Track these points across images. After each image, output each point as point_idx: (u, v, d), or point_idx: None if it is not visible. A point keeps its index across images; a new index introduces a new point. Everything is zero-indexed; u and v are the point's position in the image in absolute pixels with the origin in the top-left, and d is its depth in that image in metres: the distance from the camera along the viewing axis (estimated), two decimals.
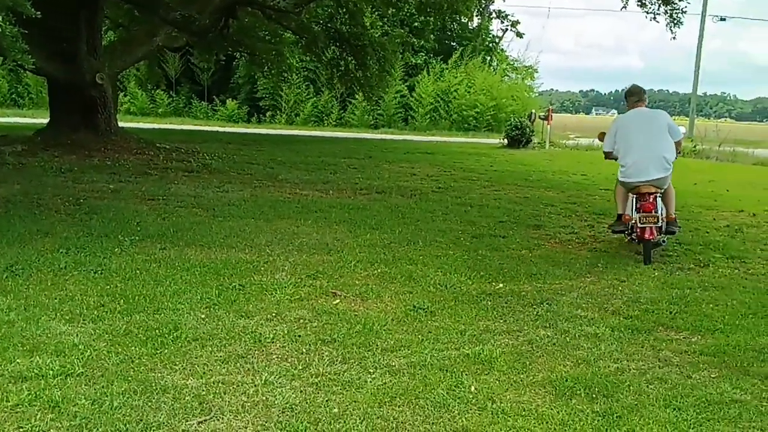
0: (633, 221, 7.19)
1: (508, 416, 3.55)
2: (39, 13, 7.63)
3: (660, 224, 7.08)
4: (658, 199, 7.12)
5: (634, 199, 7.21)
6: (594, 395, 3.85)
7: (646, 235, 6.96)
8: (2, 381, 3.60)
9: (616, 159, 7.54)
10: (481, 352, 4.34)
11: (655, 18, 15.55)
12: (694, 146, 24.13)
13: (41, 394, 3.47)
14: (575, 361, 4.34)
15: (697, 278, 6.54)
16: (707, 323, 5.19)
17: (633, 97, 7.60)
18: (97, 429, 3.20)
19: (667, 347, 4.68)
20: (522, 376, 4.06)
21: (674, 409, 3.74)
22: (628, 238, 7.60)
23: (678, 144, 7.34)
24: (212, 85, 32.40)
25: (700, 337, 4.93)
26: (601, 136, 7.94)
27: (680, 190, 12.94)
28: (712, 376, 4.23)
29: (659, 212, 7.07)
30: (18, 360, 3.85)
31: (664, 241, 7.40)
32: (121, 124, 15.80)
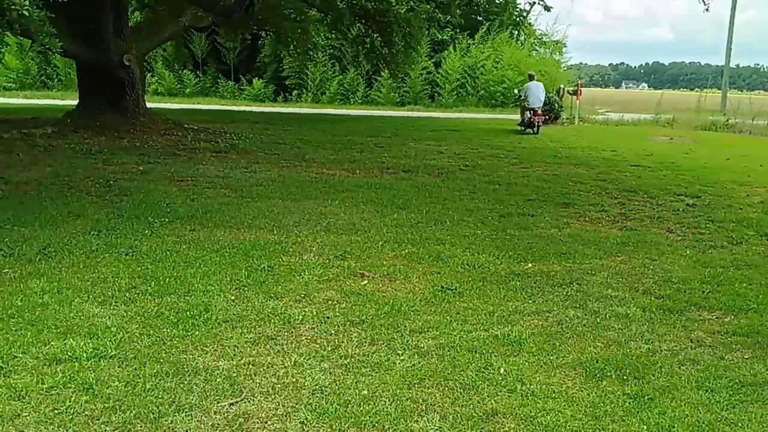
0: (529, 121, 17.97)
1: (538, 398, 3.53)
2: None
3: (539, 122, 18.05)
4: (539, 113, 18.12)
5: (531, 112, 17.98)
6: (625, 377, 3.82)
7: (538, 124, 17.88)
8: (37, 363, 3.67)
9: (524, 100, 18.26)
10: (510, 333, 4.32)
11: None
12: (727, 120, 23.69)
13: (75, 376, 3.54)
14: (606, 342, 4.31)
15: (730, 256, 6.44)
16: (740, 303, 5.11)
17: (533, 76, 19.08)
18: (131, 411, 3.25)
19: (700, 327, 4.63)
20: (552, 357, 4.04)
21: (707, 390, 3.70)
22: (527, 129, 18.12)
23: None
24: (238, 64, 32.47)
25: (733, 317, 4.86)
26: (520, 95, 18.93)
27: (712, 165, 12.81)
28: (746, 356, 4.18)
29: (538, 118, 18.02)
30: (52, 342, 3.92)
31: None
32: (148, 104, 15.91)
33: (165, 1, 17.17)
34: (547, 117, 20.69)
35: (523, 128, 18.32)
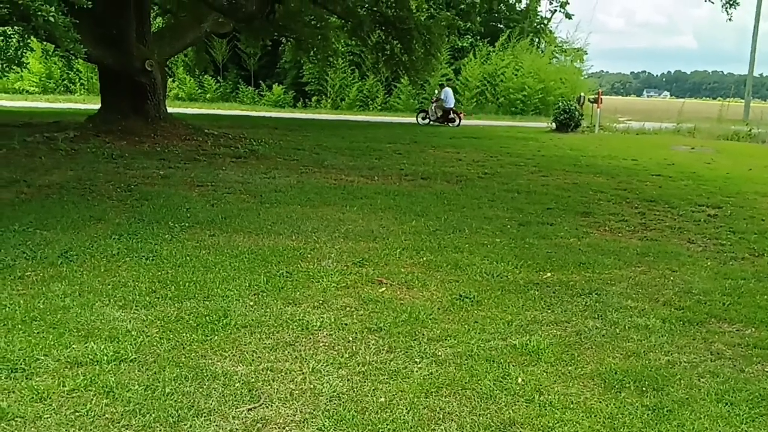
0: (449, 117, 23.52)
1: (556, 409, 3.52)
2: (90, 3, 7.78)
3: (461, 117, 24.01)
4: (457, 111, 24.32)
5: (452, 112, 23.54)
6: (644, 388, 3.79)
7: (460, 118, 23.45)
8: (59, 366, 3.71)
9: (444, 101, 23.64)
10: (528, 343, 4.31)
11: None
12: (750, 130, 23.45)
13: (96, 379, 3.57)
14: (625, 353, 4.28)
15: (752, 268, 6.38)
16: (761, 315, 5.05)
17: (449, 84, 26.37)
18: (151, 414, 3.28)
19: (720, 340, 4.58)
20: (570, 368, 4.02)
21: (726, 403, 3.67)
22: (444, 123, 23.34)
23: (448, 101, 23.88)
24: (259, 70, 32.71)
25: (753, 329, 4.81)
26: (437, 99, 24.11)
27: (734, 175, 12.69)
28: (766, 369, 4.13)
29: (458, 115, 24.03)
30: (74, 345, 3.97)
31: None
32: (169, 109, 16.07)
33: (187, 8, 17.34)
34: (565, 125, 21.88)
35: (440, 123, 23.47)
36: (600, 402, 3.62)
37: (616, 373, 3.96)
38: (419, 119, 24.34)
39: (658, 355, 4.27)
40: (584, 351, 4.29)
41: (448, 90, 24.22)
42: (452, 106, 23.95)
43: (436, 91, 25.74)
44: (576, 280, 5.76)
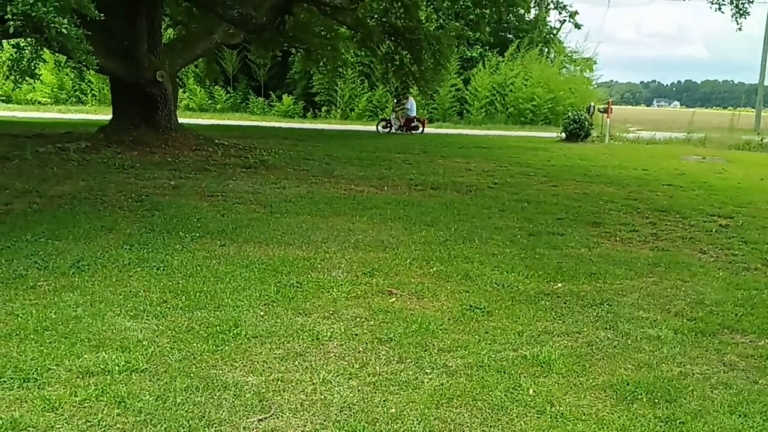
0: (412, 125, 23.82)
1: (568, 420, 3.50)
2: (102, 15, 7.85)
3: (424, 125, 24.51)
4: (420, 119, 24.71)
5: (406, 119, 23.82)
6: (656, 400, 3.76)
7: (412, 127, 23.60)
8: (70, 376, 3.72)
9: (408, 110, 24.01)
10: (539, 354, 4.29)
11: (720, 9, 15.03)
12: (761, 139, 23.35)
13: (107, 389, 3.58)
14: (636, 364, 4.26)
15: (765, 279, 6.33)
16: None
17: (412, 93, 23.81)
18: (162, 425, 3.28)
19: (733, 351, 4.55)
20: (581, 379, 4.00)
21: (740, 415, 3.64)
22: (408, 131, 23.58)
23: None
24: (269, 80, 32.86)
25: (767, 340, 4.77)
26: (401, 107, 24.55)
27: (746, 185, 12.63)
28: None
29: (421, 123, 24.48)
30: (85, 355, 3.98)
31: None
32: (180, 120, 16.15)
33: (198, 19, 17.47)
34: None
35: (402, 131, 23.73)
36: (612, 413, 3.59)
37: (628, 384, 3.93)
38: (379, 128, 24.20)
39: (670, 366, 4.24)
40: (596, 362, 4.27)
41: (412, 99, 24.74)
42: (415, 114, 24.54)
43: (397, 100, 26.15)
44: (587, 290, 5.74)
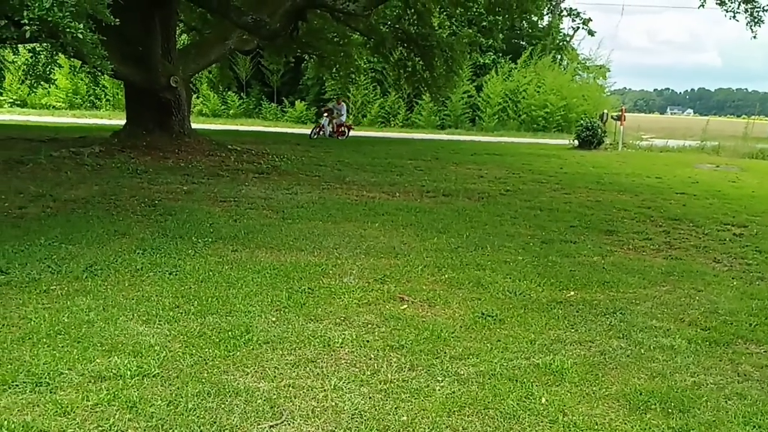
0: (334, 131, 22.77)
1: (580, 430, 3.47)
2: (117, 20, 7.89)
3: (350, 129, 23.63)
4: (347, 124, 23.77)
5: (336, 124, 22.86)
6: (669, 410, 3.73)
7: (348, 131, 23.10)
8: (82, 380, 3.73)
9: (340, 115, 23.32)
10: (551, 363, 4.26)
11: (734, 17, 14.93)
12: None
13: (119, 394, 3.59)
14: (650, 373, 4.22)
15: None
16: None
17: (341, 100, 25.01)
18: (173, 430, 3.28)
19: (747, 361, 4.51)
20: (594, 388, 3.97)
21: (754, 426, 3.60)
22: (331, 136, 22.39)
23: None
24: (281, 86, 32.95)
25: None
26: (329, 112, 23.37)
27: (760, 194, 12.54)
28: None
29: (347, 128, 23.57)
30: (97, 360, 3.99)
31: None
32: (193, 125, 16.20)
33: (212, 25, 17.56)
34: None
35: (333, 137, 22.60)
36: (625, 423, 3.57)
37: (641, 394, 3.90)
38: (312, 134, 22.76)
39: (683, 376, 4.20)
40: (609, 371, 4.23)
41: (344, 105, 24.65)
42: (345, 120, 24.05)
43: (330, 105, 25.39)
44: (600, 299, 5.70)
